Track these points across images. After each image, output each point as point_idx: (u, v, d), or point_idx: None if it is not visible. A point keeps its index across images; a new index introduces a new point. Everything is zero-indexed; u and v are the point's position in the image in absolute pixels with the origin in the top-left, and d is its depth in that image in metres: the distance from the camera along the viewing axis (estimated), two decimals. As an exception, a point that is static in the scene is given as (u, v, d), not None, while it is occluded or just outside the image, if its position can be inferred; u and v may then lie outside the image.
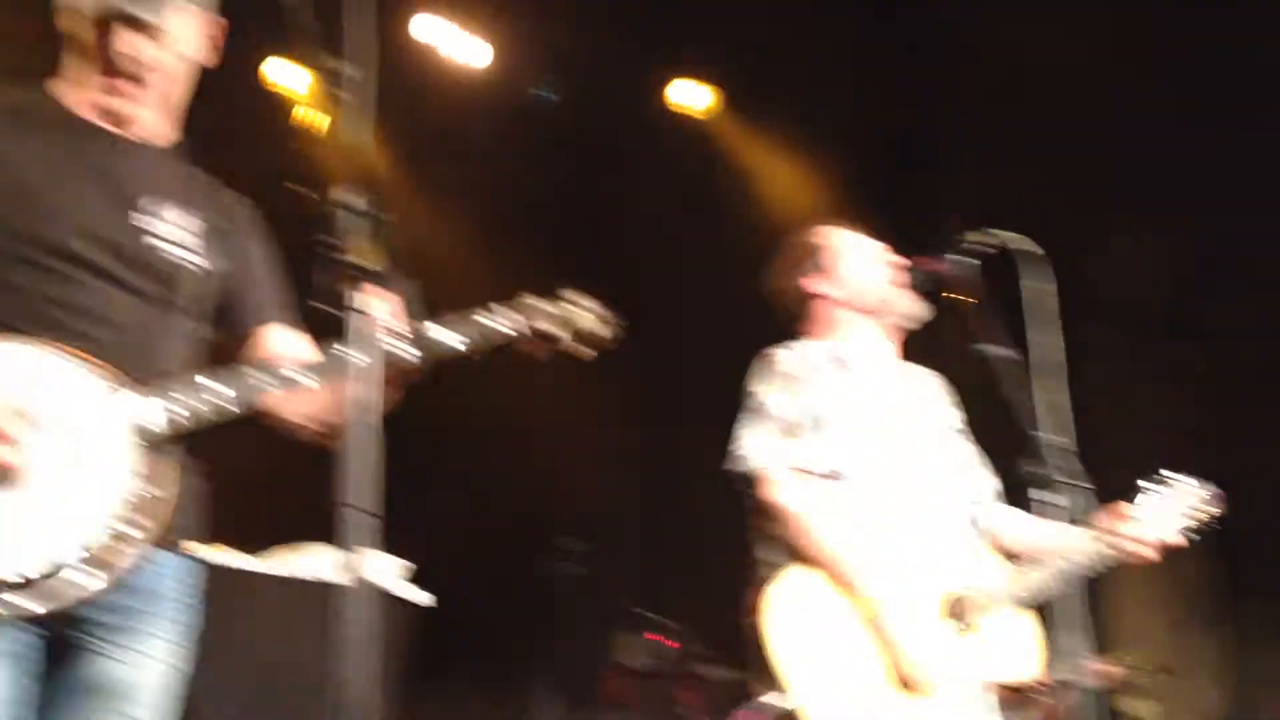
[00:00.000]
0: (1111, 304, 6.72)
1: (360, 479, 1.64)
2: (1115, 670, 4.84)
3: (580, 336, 2.58)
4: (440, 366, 2.39)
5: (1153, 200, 6.43)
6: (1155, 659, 4.96)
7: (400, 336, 2.26)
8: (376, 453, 1.67)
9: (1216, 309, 6.69)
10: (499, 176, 6.92)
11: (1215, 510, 3.29)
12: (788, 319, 3.51)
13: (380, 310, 1.98)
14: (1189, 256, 6.59)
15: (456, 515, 6.73)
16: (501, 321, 2.46)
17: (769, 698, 2.91)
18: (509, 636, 6.78)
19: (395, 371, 2.27)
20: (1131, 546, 3.16)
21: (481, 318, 2.43)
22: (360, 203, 1.74)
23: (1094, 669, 4.76)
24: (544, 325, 2.52)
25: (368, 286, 1.73)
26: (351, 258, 1.75)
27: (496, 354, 2.45)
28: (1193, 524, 3.26)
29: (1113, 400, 6.67)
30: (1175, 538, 3.24)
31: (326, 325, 1.99)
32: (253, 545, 4.25)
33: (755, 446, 3.18)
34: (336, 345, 2.23)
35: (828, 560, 3.02)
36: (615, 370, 6.44)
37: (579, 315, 2.58)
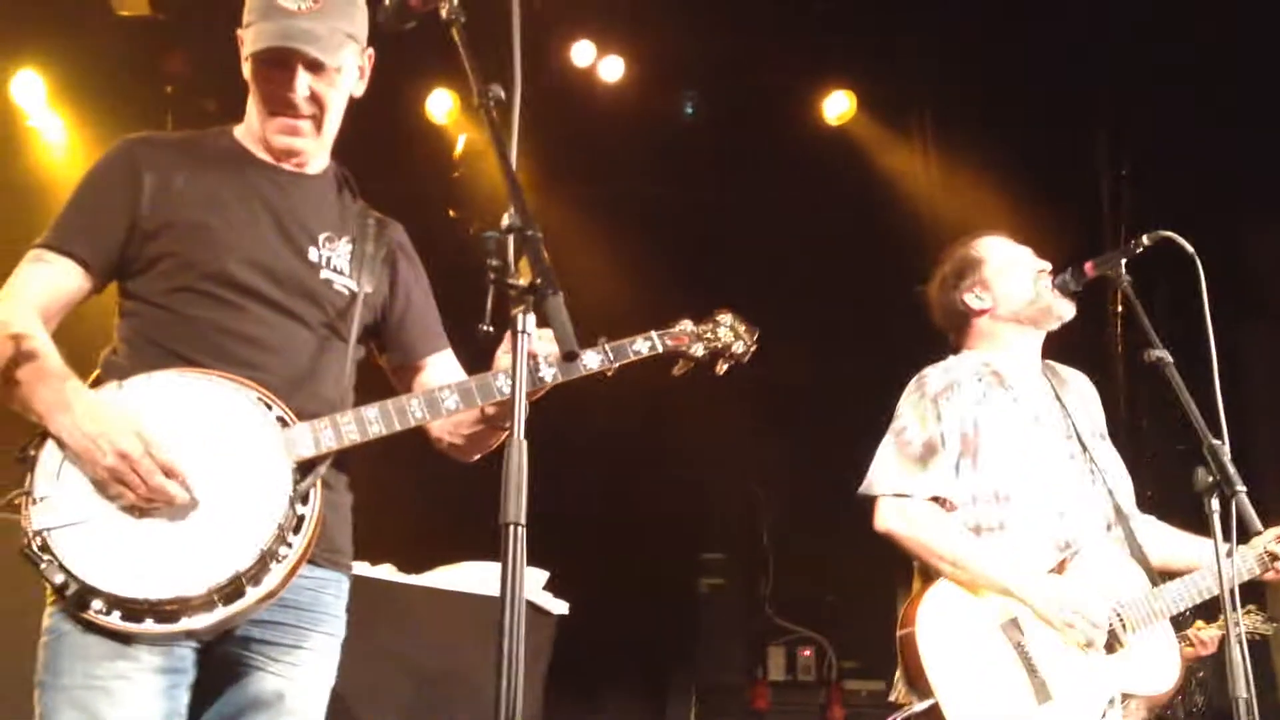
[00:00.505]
0: (1273, 301, 6.47)
1: (517, 497, 1.67)
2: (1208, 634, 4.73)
3: (721, 354, 2.60)
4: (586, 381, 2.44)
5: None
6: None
7: (550, 358, 2.31)
8: (528, 470, 1.70)
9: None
10: (647, 194, 6.98)
11: None
12: (946, 332, 3.50)
13: (536, 332, 2.02)
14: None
15: (605, 527, 6.78)
16: (643, 344, 2.50)
17: (915, 707, 2.92)
18: (655, 649, 6.80)
19: (536, 389, 2.32)
20: None
21: (624, 341, 2.47)
22: (515, 223, 1.78)
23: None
24: (685, 346, 2.55)
25: (526, 306, 1.76)
26: (513, 279, 1.80)
27: (639, 366, 2.49)
28: None
29: (1273, 403, 6.42)
30: None
31: (483, 345, 2.04)
32: (416, 562, 4.36)
33: (880, 473, 3.21)
34: (496, 372, 2.32)
35: (954, 571, 3.05)
36: (766, 384, 6.48)
37: (722, 334, 2.60)
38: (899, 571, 3.54)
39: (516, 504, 1.65)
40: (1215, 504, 2.62)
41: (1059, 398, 3.35)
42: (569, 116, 6.76)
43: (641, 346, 2.51)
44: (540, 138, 6.52)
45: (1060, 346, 3.47)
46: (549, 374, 2.35)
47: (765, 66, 6.82)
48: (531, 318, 1.86)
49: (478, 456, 2.57)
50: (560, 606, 4.34)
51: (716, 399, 6.20)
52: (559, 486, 6.50)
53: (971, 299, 3.40)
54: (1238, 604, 2.61)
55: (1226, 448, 2.63)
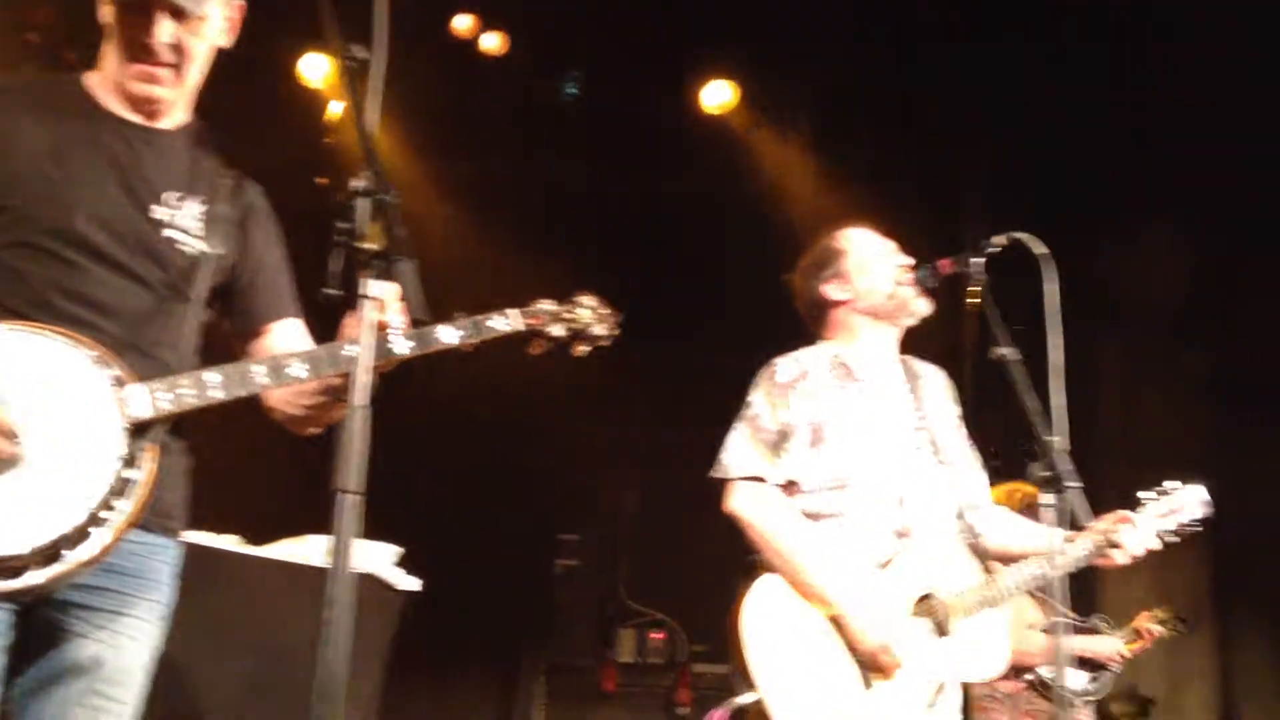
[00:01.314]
0: (1124, 306, 6.70)
1: (353, 465, 1.64)
2: (1154, 627, 4.96)
3: (581, 336, 2.59)
4: (440, 358, 2.40)
5: (1167, 204, 6.41)
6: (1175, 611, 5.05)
7: (399, 328, 2.26)
8: (368, 440, 1.67)
9: (1226, 314, 6.66)
10: (521, 172, 6.93)
11: (1205, 516, 3.33)
12: (807, 321, 3.53)
13: (384, 297, 1.98)
14: (1203, 261, 6.56)
15: (462, 507, 6.73)
16: (500, 320, 2.47)
17: (741, 697, 2.95)
18: (507, 629, 6.78)
19: (386, 360, 2.28)
20: (1119, 552, 3.18)
21: (480, 317, 2.44)
22: (367, 186, 1.74)
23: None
24: (543, 325, 2.53)
25: (374, 272, 1.73)
26: (361, 243, 1.75)
27: (497, 346, 2.46)
28: (1181, 531, 3.30)
29: (1123, 402, 6.67)
30: (1161, 543, 3.28)
31: (331, 310, 2.00)
32: (264, 534, 4.26)
33: (733, 456, 3.24)
34: (345, 341, 2.26)
35: (786, 568, 3.08)
36: (627, 368, 6.49)
37: (582, 316, 2.59)
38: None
39: (352, 472, 1.61)
40: (1049, 498, 2.71)
41: (911, 391, 3.42)
42: (446, 88, 6.67)
43: (499, 323, 2.48)
44: (415, 107, 6.44)
45: (918, 341, 3.54)
46: (402, 346, 2.30)
47: (649, 51, 6.82)
48: (391, 287, 1.83)
49: (313, 431, 2.51)
50: (411, 583, 4.29)
51: (579, 382, 6.21)
52: (416, 464, 6.47)
53: (831, 290, 3.45)
54: (1066, 593, 2.69)
55: (1062, 444, 2.71)
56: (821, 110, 6.96)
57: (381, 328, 2.18)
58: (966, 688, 3.22)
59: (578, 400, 6.66)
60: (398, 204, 1.75)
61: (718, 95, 7.11)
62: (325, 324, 2.39)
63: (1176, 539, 3.29)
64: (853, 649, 3.02)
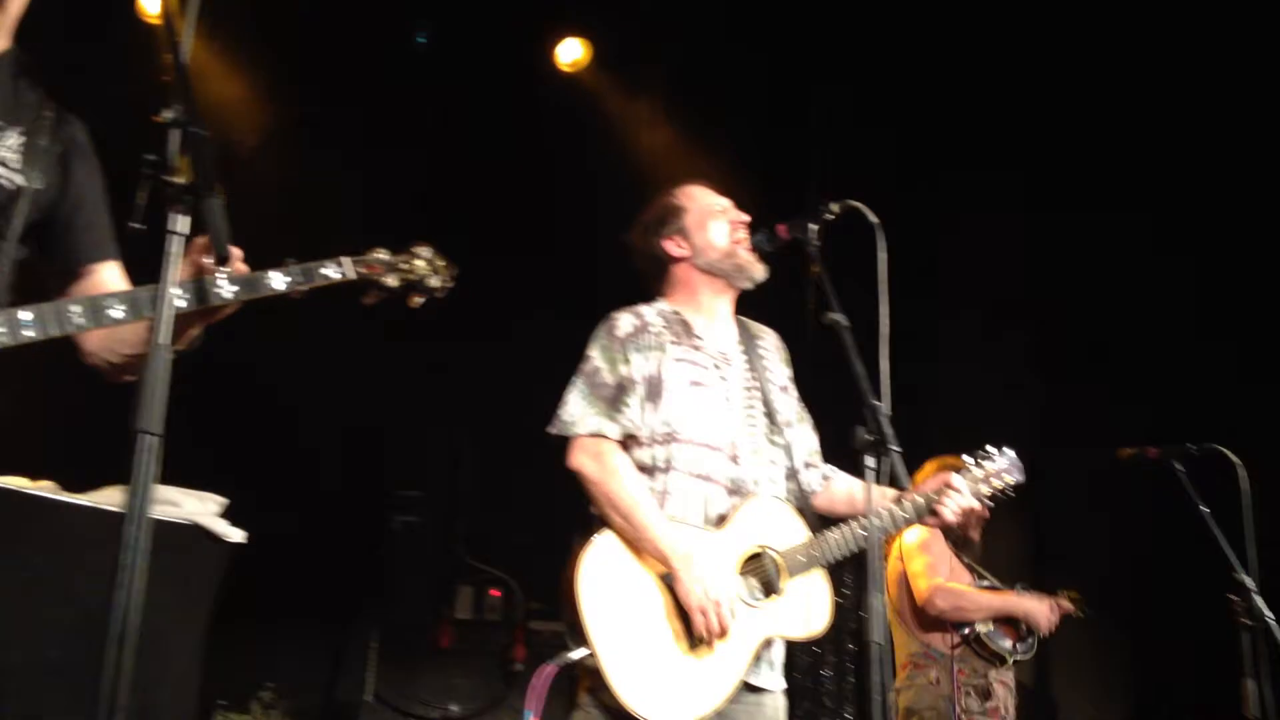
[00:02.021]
0: (959, 279, 6.88)
1: (154, 406, 1.58)
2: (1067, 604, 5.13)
3: (416, 287, 2.54)
4: (272, 304, 2.33)
5: (1007, 183, 6.59)
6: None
7: (219, 269, 2.19)
8: (170, 383, 1.60)
9: (1055, 291, 6.89)
10: (368, 120, 6.77)
11: (1021, 481, 3.45)
12: (645, 278, 3.54)
13: (205, 239, 1.91)
14: (1036, 239, 6.77)
15: (297, 459, 6.59)
16: (333, 268, 2.40)
17: (573, 653, 2.97)
18: (341, 584, 6.68)
19: (211, 305, 2.20)
20: (941, 512, 3.28)
21: (312, 264, 2.37)
22: (178, 117, 1.67)
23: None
24: (378, 275, 2.47)
25: (182, 207, 1.66)
26: (170, 177, 1.68)
27: (330, 295, 2.40)
28: (999, 494, 3.42)
29: (955, 373, 6.86)
30: (982, 503, 3.40)
31: (145, 246, 1.92)
32: (84, 482, 4.11)
33: (573, 412, 3.25)
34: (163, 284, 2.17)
35: (623, 525, 3.10)
36: (469, 323, 6.42)
37: (418, 267, 2.54)
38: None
39: (152, 412, 1.56)
40: (871, 461, 2.77)
41: (746, 351, 3.46)
42: (293, 29, 6.47)
43: (332, 271, 2.41)
44: (261, 48, 6.25)
45: (758, 304, 3.57)
46: (229, 291, 2.23)
47: (503, 5, 6.73)
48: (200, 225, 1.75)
49: (130, 379, 2.41)
50: (237, 535, 4.18)
51: (420, 336, 6.13)
52: (248, 414, 6.32)
53: (670, 246, 3.48)
54: (882, 554, 2.75)
55: (886, 409, 2.77)
56: (674, 69, 6.95)
57: (207, 271, 2.11)
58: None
59: (418, 354, 6.59)
60: (208, 137, 1.68)
61: (570, 52, 7.06)
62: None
63: (993, 503, 3.41)
64: (683, 606, 3.05)
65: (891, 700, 4.76)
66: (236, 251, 2.10)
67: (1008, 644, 4.88)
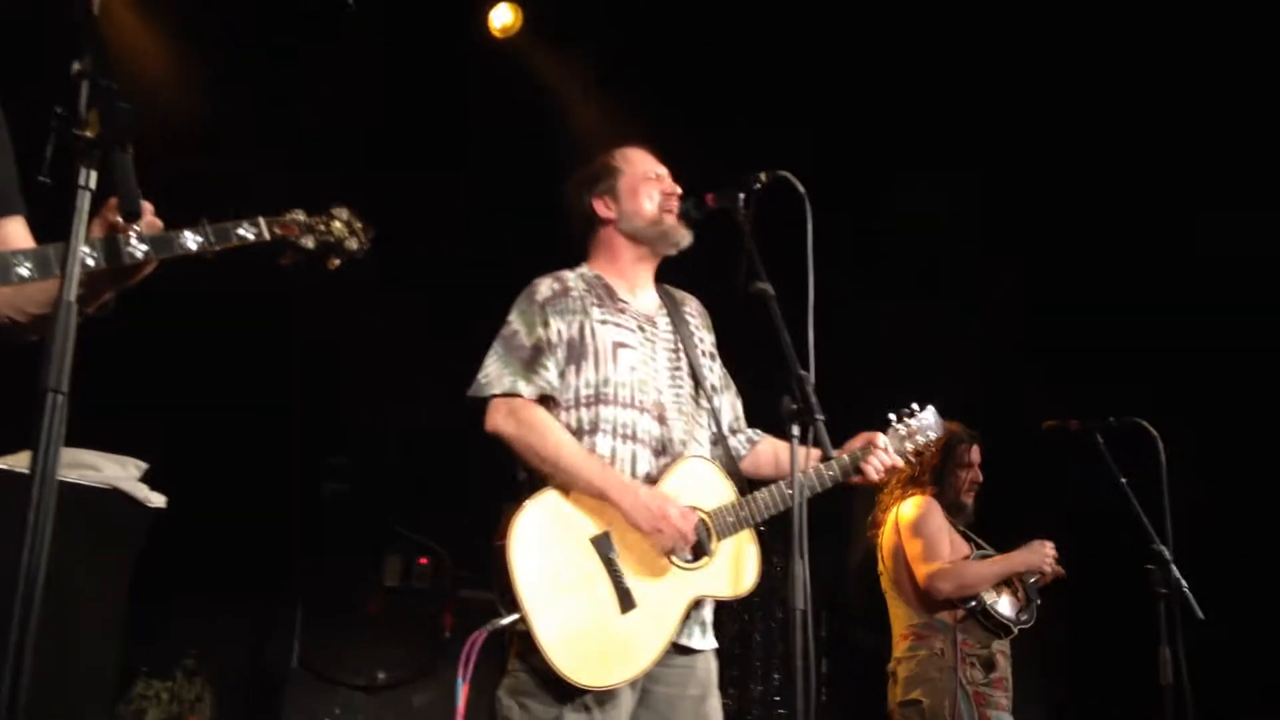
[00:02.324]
0: (889, 249, 6.93)
1: (61, 364, 1.54)
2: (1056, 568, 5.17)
3: (333, 249, 2.51)
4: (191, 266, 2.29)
5: (939, 152, 6.61)
6: None
7: (130, 227, 2.13)
8: (75, 341, 1.57)
9: (981, 261, 6.96)
10: (295, 81, 6.64)
11: (939, 436, 3.52)
12: (577, 239, 3.54)
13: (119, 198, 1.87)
14: (966, 210, 6.81)
15: (226, 424, 6.50)
16: (248, 228, 2.35)
17: (504, 619, 2.97)
18: (270, 552, 6.62)
19: (122, 264, 2.15)
20: (868, 469, 3.32)
21: (226, 223, 2.32)
22: (86, 69, 1.62)
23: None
24: (294, 236, 2.43)
25: (90, 161, 1.61)
26: (78, 130, 1.64)
27: (245, 256, 2.35)
28: (921, 449, 3.48)
29: (881, 338, 6.91)
30: (907, 460, 3.46)
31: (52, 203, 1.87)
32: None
33: (489, 375, 3.24)
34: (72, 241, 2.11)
35: (554, 473, 3.11)
36: (398, 288, 6.37)
37: (335, 228, 2.50)
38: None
39: (59, 370, 1.52)
40: (797, 430, 2.79)
41: (670, 316, 3.48)
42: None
43: (247, 231, 2.35)
44: (185, 7, 6.11)
45: (687, 272, 3.57)
46: (139, 250, 2.17)
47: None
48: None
49: (34, 339, 2.35)
50: (158, 500, 4.14)
51: (349, 301, 6.06)
52: (175, 377, 6.22)
53: (600, 206, 3.48)
54: (805, 516, 2.77)
55: (812, 378, 2.79)
56: (605, 37, 6.88)
57: (118, 229, 2.06)
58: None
59: (350, 319, 6.52)
60: (118, 90, 1.63)
61: (502, 17, 6.97)
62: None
63: (916, 460, 3.45)
64: (620, 562, 3.06)
65: (811, 671, 4.78)
66: (148, 208, 2.06)
67: (1012, 614, 4.88)
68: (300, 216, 2.46)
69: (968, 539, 5.01)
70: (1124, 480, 4.24)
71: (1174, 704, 3.95)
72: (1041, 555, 4.89)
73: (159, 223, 2.17)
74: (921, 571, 4.77)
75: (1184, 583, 4.02)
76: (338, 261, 2.53)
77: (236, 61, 6.27)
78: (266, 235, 2.38)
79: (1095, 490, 4.41)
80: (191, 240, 2.26)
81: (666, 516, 3.07)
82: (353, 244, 2.53)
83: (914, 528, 4.89)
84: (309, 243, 2.46)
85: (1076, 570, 6.25)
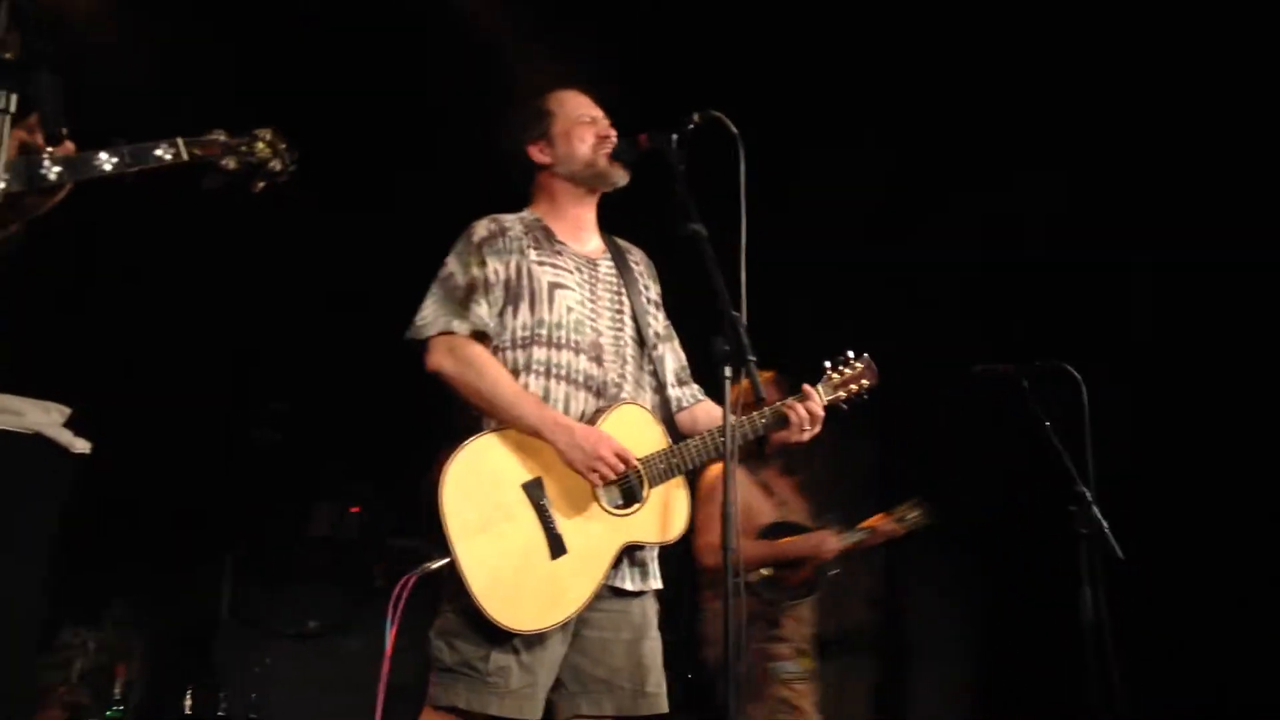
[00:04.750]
0: (825, 197, 6.91)
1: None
2: (892, 526, 5.26)
3: (257, 171, 2.45)
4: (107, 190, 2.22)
5: (871, 109, 6.62)
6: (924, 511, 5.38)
7: (44, 148, 2.06)
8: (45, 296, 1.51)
9: (915, 215, 7.00)
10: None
11: (873, 383, 3.51)
12: (518, 183, 3.51)
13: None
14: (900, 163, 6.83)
15: (156, 368, 6.40)
16: (167, 150, 2.29)
17: (435, 563, 2.97)
18: (199, 499, 6.55)
19: (36, 186, 2.08)
20: (794, 421, 3.31)
21: (144, 144, 2.25)
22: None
23: (875, 526, 5.18)
24: (215, 156, 2.37)
25: (10, 84, 1.56)
26: (2, 53, 1.58)
27: (166, 180, 2.29)
28: (854, 395, 3.47)
29: (813, 288, 6.95)
30: (839, 409, 3.45)
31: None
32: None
33: (424, 315, 3.23)
34: None
35: (491, 410, 3.12)
36: (332, 227, 6.27)
37: (259, 149, 2.45)
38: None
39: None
40: (728, 371, 2.80)
41: (614, 262, 3.47)
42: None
43: (165, 152, 2.29)
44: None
45: (631, 215, 3.55)
46: (53, 172, 2.10)
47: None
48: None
49: None
50: (81, 445, 4.06)
51: (277, 244, 5.97)
52: (104, 319, 6.09)
53: (534, 152, 3.46)
54: (735, 459, 2.79)
55: (744, 320, 2.80)
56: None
57: (32, 150, 1.99)
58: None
59: (279, 262, 6.42)
60: (39, 8, 1.57)
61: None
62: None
63: (846, 407, 3.46)
64: (553, 507, 3.07)
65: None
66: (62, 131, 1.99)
67: (776, 595, 5.04)
68: (221, 137, 2.40)
69: (801, 495, 5.16)
70: (1047, 423, 4.30)
71: (1094, 643, 4.03)
72: (818, 545, 5.06)
73: (72, 146, 2.10)
74: (698, 542, 4.85)
75: (1104, 523, 4.09)
76: (262, 184, 2.47)
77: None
78: (185, 156, 2.31)
79: (1021, 433, 4.47)
80: (107, 161, 2.18)
81: (601, 456, 3.08)
82: (276, 165, 2.48)
83: (706, 494, 4.99)
84: (231, 164, 2.40)
85: (1002, 515, 6.38)
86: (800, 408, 3.30)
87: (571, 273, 3.35)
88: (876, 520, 5.37)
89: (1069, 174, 6.40)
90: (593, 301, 3.35)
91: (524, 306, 3.26)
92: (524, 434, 3.12)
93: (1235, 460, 5.98)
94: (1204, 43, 5.66)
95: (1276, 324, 5.85)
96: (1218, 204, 6.00)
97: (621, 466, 3.10)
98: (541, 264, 3.31)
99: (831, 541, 5.12)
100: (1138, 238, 6.28)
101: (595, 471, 3.09)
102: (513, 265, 3.28)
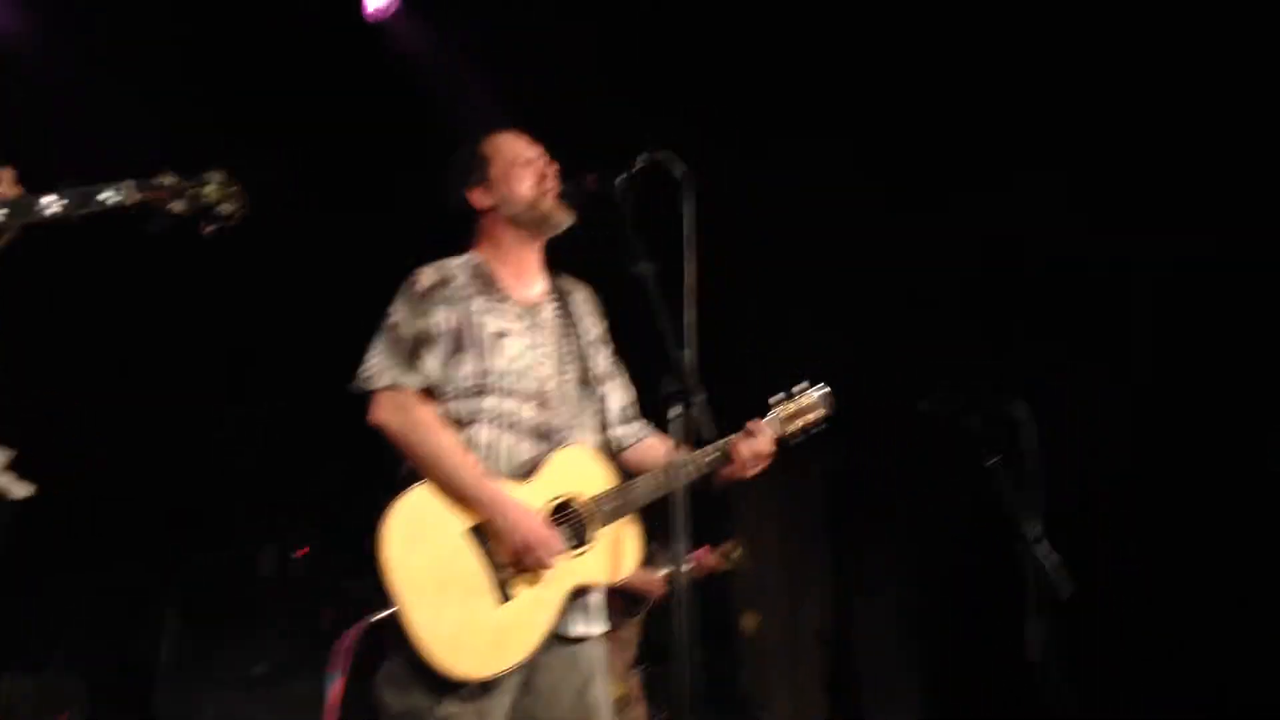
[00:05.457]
0: (776, 226, 6.92)
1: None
2: (715, 560, 5.27)
3: (206, 213, 2.43)
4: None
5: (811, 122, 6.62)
6: (746, 551, 5.41)
7: None
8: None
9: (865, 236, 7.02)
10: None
11: (827, 414, 3.52)
12: (458, 229, 3.49)
13: None
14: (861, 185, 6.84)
15: (89, 402, 6.29)
16: (111, 193, 2.27)
17: (378, 614, 2.94)
18: (139, 542, 6.44)
19: None
20: (740, 458, 3.31)
21: (89, 188, 2.24)
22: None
23: (698, 559, 5.17)
24: (163, 200, 2.35)
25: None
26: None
27: (112, 222, 2.27)
28: (807, 428, 3.48)
29: (769, 318, 6.95)
30: (791, 441, 3.45)
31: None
32: None
33: (371, 368, 3.20)
34: None
35: (432, 474, 3.08)
36: (285, 265, 6.21)
37: (208, 192, 2.43)
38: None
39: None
40: (675, 410, 2.79)
41: (558, 303, 3.46)
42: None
43: (111, 195, 2.27)
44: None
45: (574, 257, 3.55)
46: None
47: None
48: None
49: None
50: (22, 490, 3.97)
51: (225, 274, 5.89)
52: (61, 352, 5.98)
53: (476, 196, 3.44)
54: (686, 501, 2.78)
55: (691, 359, 2.80)
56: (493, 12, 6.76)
57: None
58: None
59: (224, 297, 6.35)
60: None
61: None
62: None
63: (803, 438, 3.46)
64: (497, 555, 3.04)
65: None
66: (7, 174, 1.97)
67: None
68: (169, 180, 2.38)
69: None
70: (995, 459, 4.32)
71: (1042, 680, 4.04)
72: (650, 581, 5.07)
73: (17, 189, 2.09)
74: None
75: (1050, 559, 4.11)
76: (212, 228, 2.46)
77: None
78: (133, 198, 2.30)
79: (967, 470, 4.49)
80: (53, 205, 2.17)
81: (535, 544, 3.05)
82: (228, 207, 2.46)
83: None
84: (179, 207, 2.38)
85: (949, 553, 6.41)
86: (744, 445, 3.31)
87: (514, 320, 3.33)
88: (701, 553, 5.37)
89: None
90: (536, 348, 3.33)
91: (469, 356, 3.24)
92: None
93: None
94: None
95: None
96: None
97: (550, 564, 3.07)
98: (485, 312, 3.30)
99: (658, 578, 5.12)
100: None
101: (526, 555, 3.06)
102: (456, 315, 3.26)
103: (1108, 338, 6.41)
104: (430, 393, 3.20)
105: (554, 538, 3.09)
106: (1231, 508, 5.99)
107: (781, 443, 3.41)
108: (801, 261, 7.04)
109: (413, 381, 3.18)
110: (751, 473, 3.34)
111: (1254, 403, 6.12)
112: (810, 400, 3.50)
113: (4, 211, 2.07)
